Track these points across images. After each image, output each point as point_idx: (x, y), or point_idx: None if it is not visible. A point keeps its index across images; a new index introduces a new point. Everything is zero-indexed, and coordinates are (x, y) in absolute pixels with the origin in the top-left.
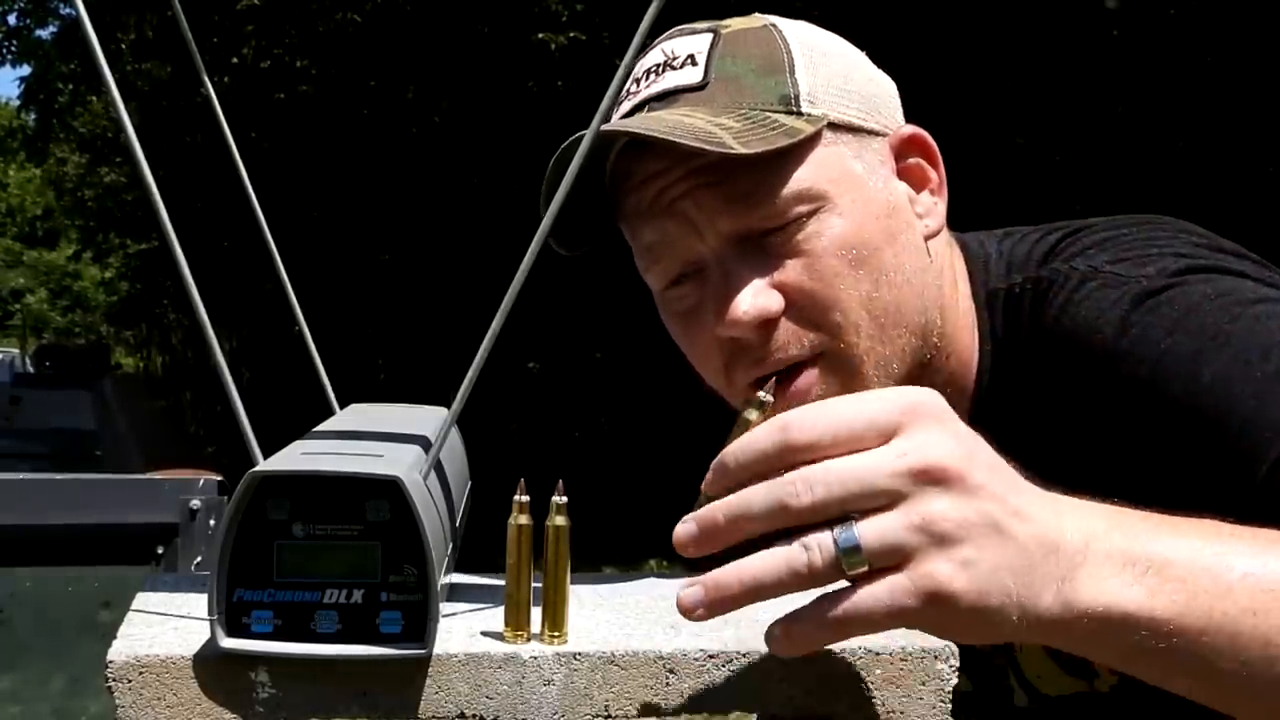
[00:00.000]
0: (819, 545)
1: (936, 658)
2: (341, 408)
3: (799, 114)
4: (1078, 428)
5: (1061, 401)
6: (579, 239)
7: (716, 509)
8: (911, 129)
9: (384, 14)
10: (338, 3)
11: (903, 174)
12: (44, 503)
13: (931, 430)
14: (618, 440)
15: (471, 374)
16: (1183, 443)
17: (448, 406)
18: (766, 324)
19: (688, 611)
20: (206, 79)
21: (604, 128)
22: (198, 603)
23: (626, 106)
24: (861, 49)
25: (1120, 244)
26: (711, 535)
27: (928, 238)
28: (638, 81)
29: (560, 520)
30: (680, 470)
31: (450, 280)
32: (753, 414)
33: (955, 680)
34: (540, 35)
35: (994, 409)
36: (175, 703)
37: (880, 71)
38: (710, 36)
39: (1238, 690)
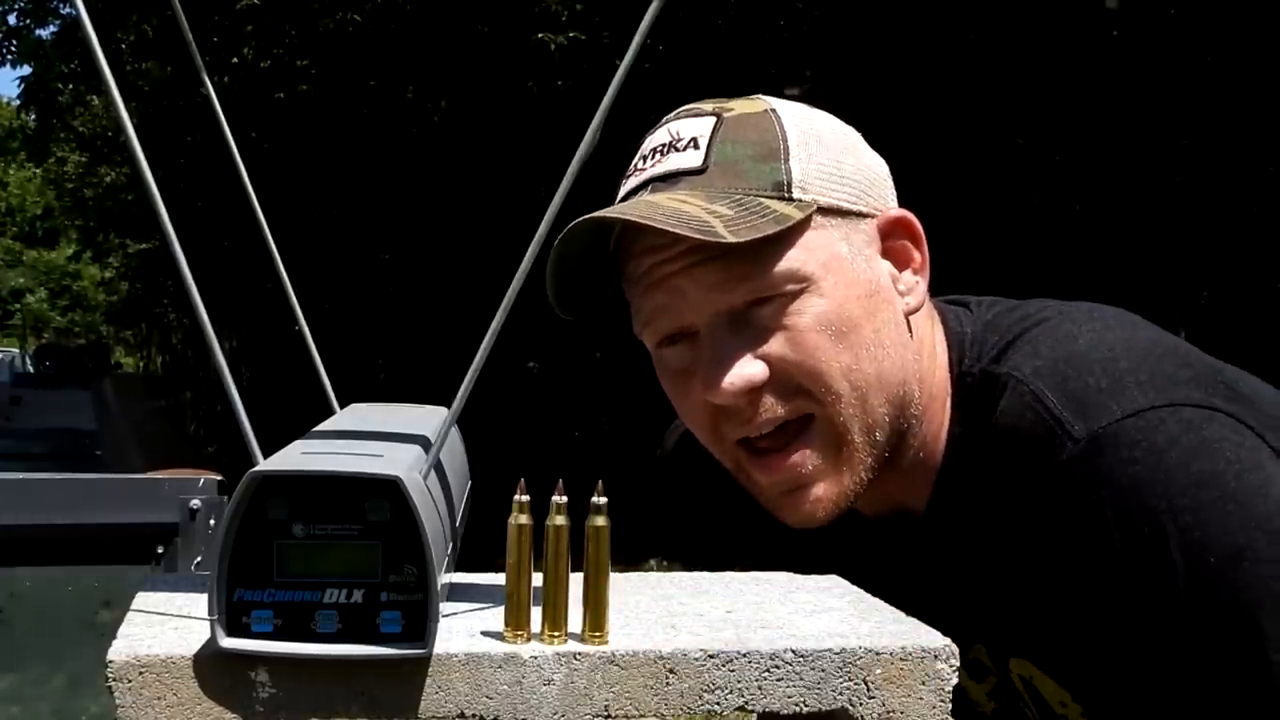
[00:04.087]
0: None
1: (936, 657)
2: (341, 408)
3: (790, 199)
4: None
5: (1015, 507)
6: (583, 302)
7: None
8: (899, 212)
9: (384, 14)
10: (338, 3)
11: (888, 253)
12: (44, 503)
13: None
14: (618, 440)
15: (471, 374)
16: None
17: (448, 406)
18: (753, 391)
19: None
20: (206, 79)
21: (607, 212)
22: (198, 603)
23: (633, 182)
24: (863, 52)
25: (1071, 372)
26: None
27: (908, 314)
28: (645, 158)
29: (560, 520)
30: None
31: (450, 280)
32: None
33: (955, 680)
34: (540, 35)
35: (952, 490)
36: (175, 702)
37: (874, 155)
38: (713, 120)
39: None
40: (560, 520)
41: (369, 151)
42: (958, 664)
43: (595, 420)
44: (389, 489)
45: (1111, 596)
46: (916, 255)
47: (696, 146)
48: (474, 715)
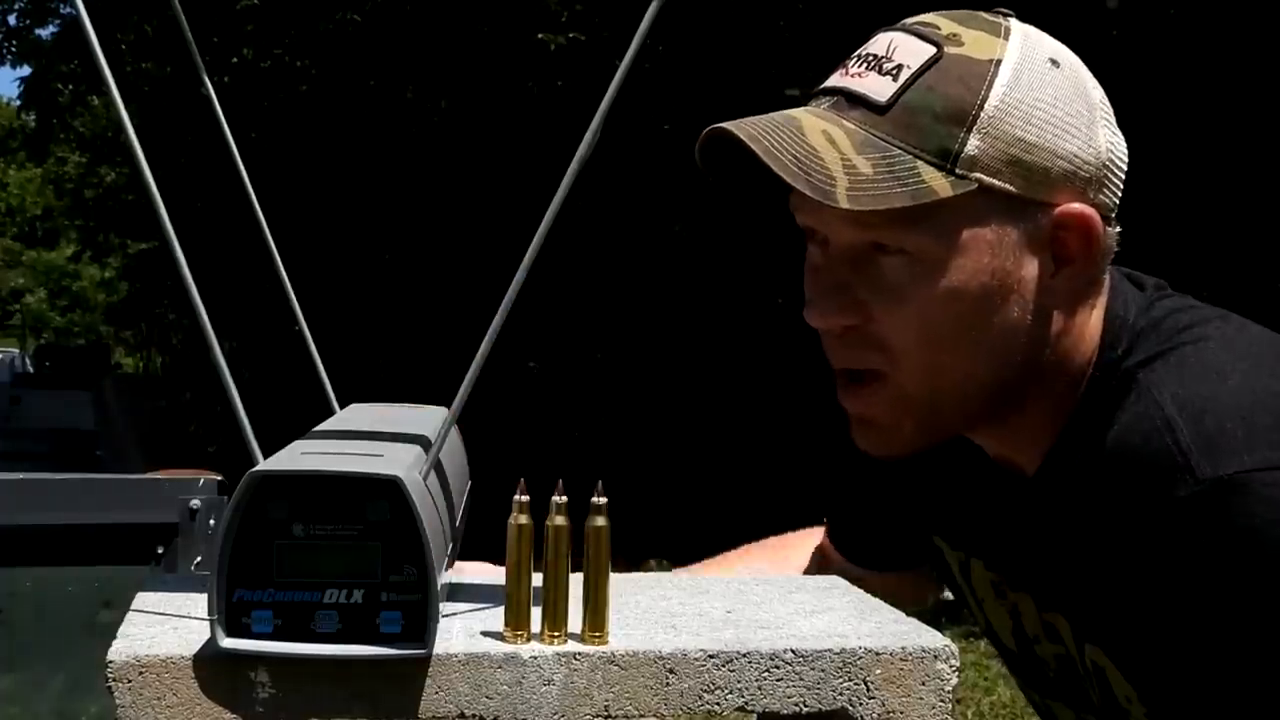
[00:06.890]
0: None
1: (936, 658)
2: (341, 408)
3: (949, 172)
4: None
5: (1119, 520)
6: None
7: None
8: (1078, 209)
9: (384, 14)
10: (338, 3)
11: (1055, 245)
12: (44, 503)
13: None
14: (618, 440)
15: (471, 374)
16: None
17: (448, 406)
18: (843, 331)
19: None
20: (206, 79)
21: (737, 126)
22: (198, 603)
23: (830, 82)
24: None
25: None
26: None
27: (1052, 308)
28: (855, 60)
29: (560, 520)
30: (680, 470)
31: (450, 279)
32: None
33: (955, 680)
34: (540, 35)
35: (1060, 469)
36: (175, 703)
37: (1102, 136)
38: (930, 54)
39: None
40: (560, 520)
41: (369, 151)
42: (957, 664)
43: (595, 420)
44: (389, 489)
45: (1198, 630)
46: (1080, 254)
47: (895, 78)
48: (474, 715)
